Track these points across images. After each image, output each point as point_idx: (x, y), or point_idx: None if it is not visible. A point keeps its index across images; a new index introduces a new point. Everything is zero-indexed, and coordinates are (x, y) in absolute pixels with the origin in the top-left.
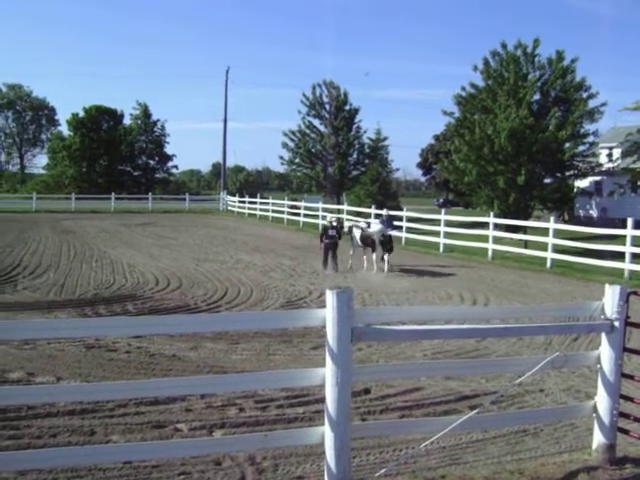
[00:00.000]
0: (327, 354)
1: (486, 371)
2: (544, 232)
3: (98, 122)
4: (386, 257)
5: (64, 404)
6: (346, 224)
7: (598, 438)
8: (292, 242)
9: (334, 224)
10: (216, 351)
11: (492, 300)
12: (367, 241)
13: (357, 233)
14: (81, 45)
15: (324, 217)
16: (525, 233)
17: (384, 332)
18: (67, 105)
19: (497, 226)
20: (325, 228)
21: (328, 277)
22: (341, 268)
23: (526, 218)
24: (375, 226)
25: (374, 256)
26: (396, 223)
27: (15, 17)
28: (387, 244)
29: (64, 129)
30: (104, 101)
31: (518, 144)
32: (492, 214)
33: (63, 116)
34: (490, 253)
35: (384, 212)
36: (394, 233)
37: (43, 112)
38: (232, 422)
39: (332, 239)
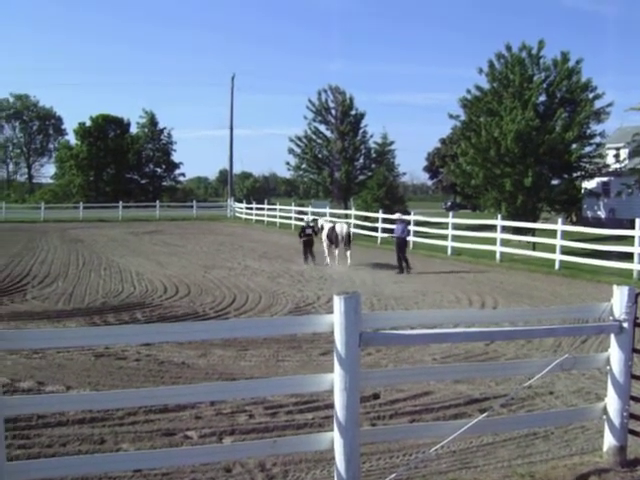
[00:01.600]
0: (335, 359)
1: (495, 374)
2: (552, 234)
3: (105, 131)
4: (348, 253)
5: (74, 413)
6: (320, 222)
7: (609, 440)
8: (299, 248)
9: (310, 224)
10: (225, 358)
11: (501, 303)
12: (331, 238)
13: (324, 232)
14: (87, 54)
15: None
16: (533, 235)
17: (392, 337)
18: (74, 114)
19: (505, 228)
20: (302, 228)
21: (335, 282)
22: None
23: (534, 220)
24: (339, 227)
25: (336, 251)
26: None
27: (21, 27)
28: (349, 241)
29: (71, 138)
30: (110, 110)
31: (524, 146)
32: (499, 216)
33: (70, 125)
34: (498, 255)
35: (396, 216)
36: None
37: (50, 122)
38: (242, 429)
39: (308, 237)
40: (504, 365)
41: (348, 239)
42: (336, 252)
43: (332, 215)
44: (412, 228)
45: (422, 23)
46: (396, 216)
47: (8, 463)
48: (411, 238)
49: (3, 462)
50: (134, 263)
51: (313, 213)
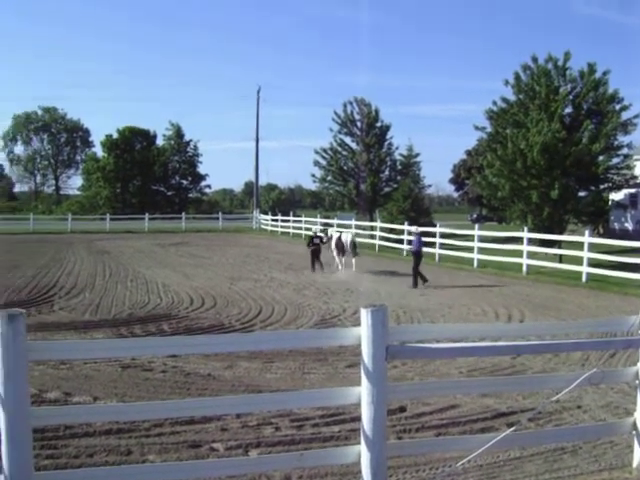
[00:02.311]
0: (362, 373)
1: (522, 388)
2: (579, 246)
3: (131, 143)
4: (353, 260)
5: (101, 424)
6: (329, 232)
7: (639, 456)
8: (325, 260)
9: (318, 234)
10: (251, 370)
11: (527, 316)
12: (339, 246)
13: (333, 241)
14: (113, 66)
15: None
16: (560, 247)
17: (419, 350)
18: (101, 126)
19: (531, 241)
20: (311, 237)
21: (361, 294)
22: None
23: (560, 232)
24: (344, 236)
25: (344, 259)
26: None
27: (49, 42)
28: (355, 249)
29: (98, 150)
30: (137, 122)
31: (551, 158)
32: (526, 229)
33: (97, 137)
34: (525, 268)
35: (414, 229)
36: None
37: (77, 134)
38: (268, 441)
39: (316, 246)
40: (531, 379)
41: (354, 247)
42: (343, 260)
43: (358, 227)
44: (438, 240)
45: (447, 35)
46: (413, 229)
47: (36, 473)
48: (436, 250)
49: (31, 472)
50: (160, 275)
51: (339, 225)
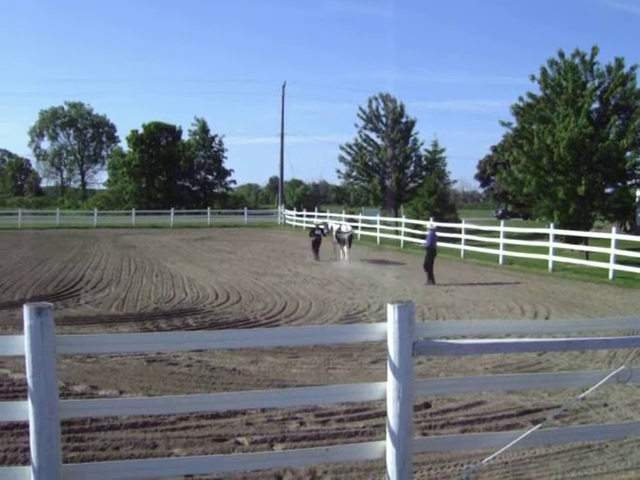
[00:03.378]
0: (388, 368)
1: (548, 385)
2: (606, 243)
3: (157, 138)
4: (346, 249)
5: (126, 417)
6: (329, 225)
7: None
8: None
9: (320, 227)
10: (276, 365)
11: (553, 312)
12: (338, 238)
13: (333, 233)
14: (139, 61)
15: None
16: (586, 244)
17: (445, 346)
18: (126, 122)
19: (557, 237)
20: (312, 229)
21: (386, 290)
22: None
23: (587, 229)
24: (344, 227)
25: (345, 249)
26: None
27: (73, 36)
28: (350, 241)
29: (124, 146)
30: (162, 117)
31: (578, 154)
32: (552, 225)
33: (123, 133)
34: (550, 265)
35: (428, 224)
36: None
37: (103, 129)
38: (293, 436)
39: (317, 237)
40: (557, 376)
41: (350, 239)
42: (344, 249)
43: (382, 223)
44: (463, 236)
45: (471, 31)
46: (428, 224)
47: (64, 465)
48: (461, 246)
49: (59, 464)
50: (185, 269)
51: (363, 221)
